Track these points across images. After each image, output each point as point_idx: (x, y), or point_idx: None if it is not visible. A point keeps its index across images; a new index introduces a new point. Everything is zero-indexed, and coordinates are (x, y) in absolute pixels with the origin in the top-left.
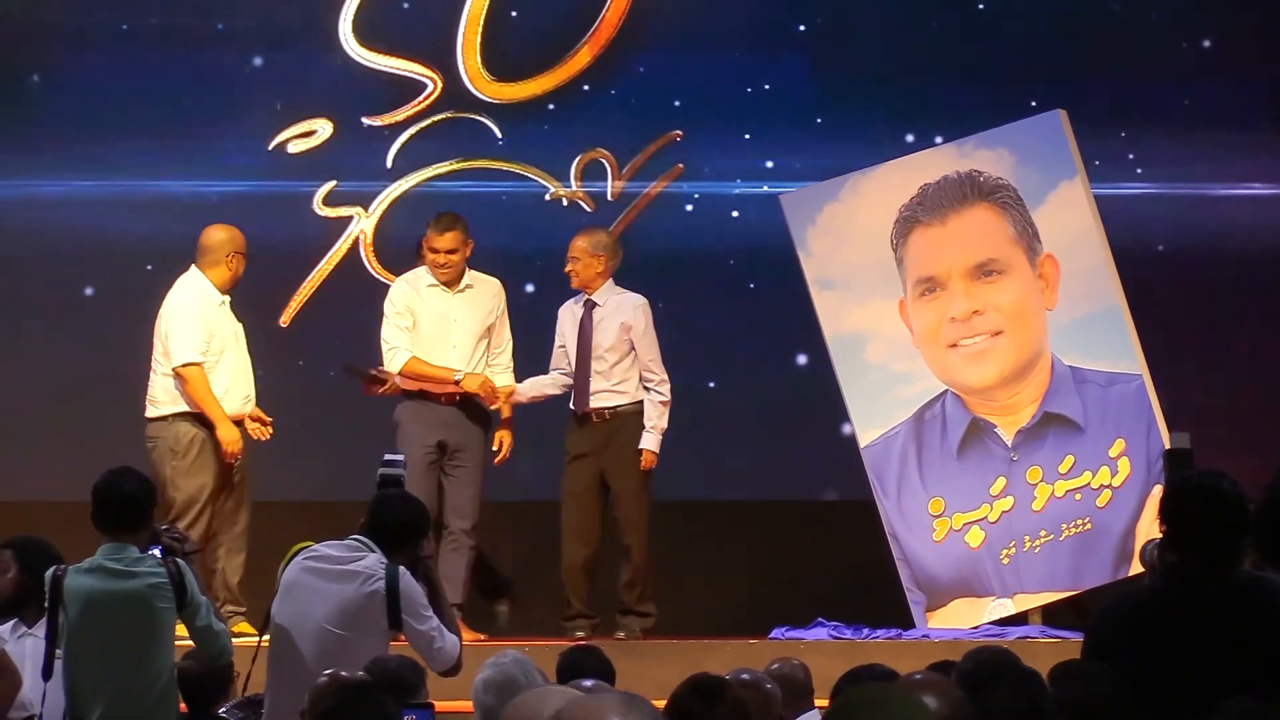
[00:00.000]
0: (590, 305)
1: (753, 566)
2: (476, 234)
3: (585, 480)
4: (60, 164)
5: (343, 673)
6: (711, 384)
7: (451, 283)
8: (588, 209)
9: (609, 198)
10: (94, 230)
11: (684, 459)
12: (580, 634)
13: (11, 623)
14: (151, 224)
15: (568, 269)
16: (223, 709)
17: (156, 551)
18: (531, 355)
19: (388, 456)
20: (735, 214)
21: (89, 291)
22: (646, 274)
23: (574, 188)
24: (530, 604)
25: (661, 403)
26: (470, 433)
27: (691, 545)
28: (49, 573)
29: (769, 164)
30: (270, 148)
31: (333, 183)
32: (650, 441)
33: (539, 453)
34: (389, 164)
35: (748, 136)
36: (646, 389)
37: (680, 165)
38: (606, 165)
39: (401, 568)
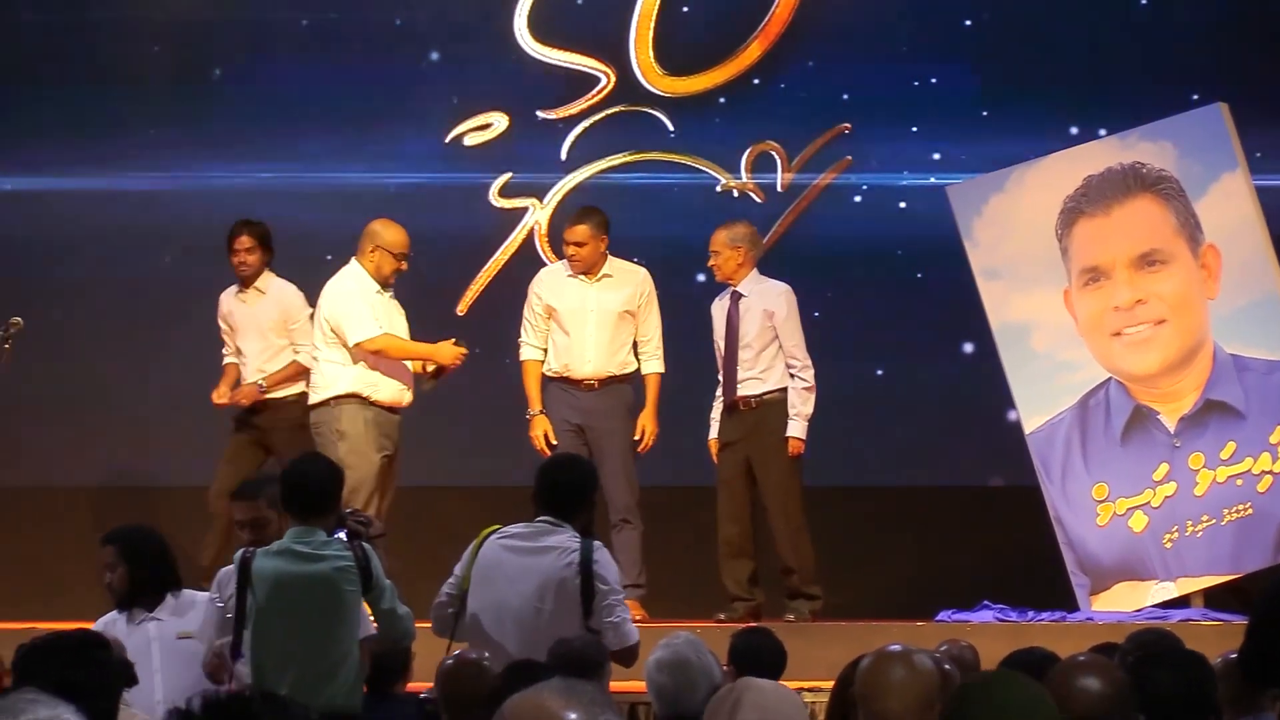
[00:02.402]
0: (736, 296)
1: (919, 550)
2: (649, 224)
3: (734, 467)
4: (242, 156)
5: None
6: (880, 371)
7: (589, 272)
8: (758, 200)
9: (779, 189)
10: (274, 221)
11: (852, 445)
12: (724, 616)
13: (124, 613)
14: (331, 215)
15: (710, 263)
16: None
17: (342, 535)
18: (702, 343)
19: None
20: (902, 205)
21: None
22: (816, 264)
23: (744, 179)
24: (693, 587)
25: (805, 389)
26: (611, 419)
27: (860, 530)
28: (238, 555)
29: (936, 156)
30: (447, 141)
31: (508, 175)
32: (795, 428)
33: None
34: (563, 156)
35: (915, 129)
36: (791, 376)
37: (849, 157)
38: (776, 157)
39: (596, 542)
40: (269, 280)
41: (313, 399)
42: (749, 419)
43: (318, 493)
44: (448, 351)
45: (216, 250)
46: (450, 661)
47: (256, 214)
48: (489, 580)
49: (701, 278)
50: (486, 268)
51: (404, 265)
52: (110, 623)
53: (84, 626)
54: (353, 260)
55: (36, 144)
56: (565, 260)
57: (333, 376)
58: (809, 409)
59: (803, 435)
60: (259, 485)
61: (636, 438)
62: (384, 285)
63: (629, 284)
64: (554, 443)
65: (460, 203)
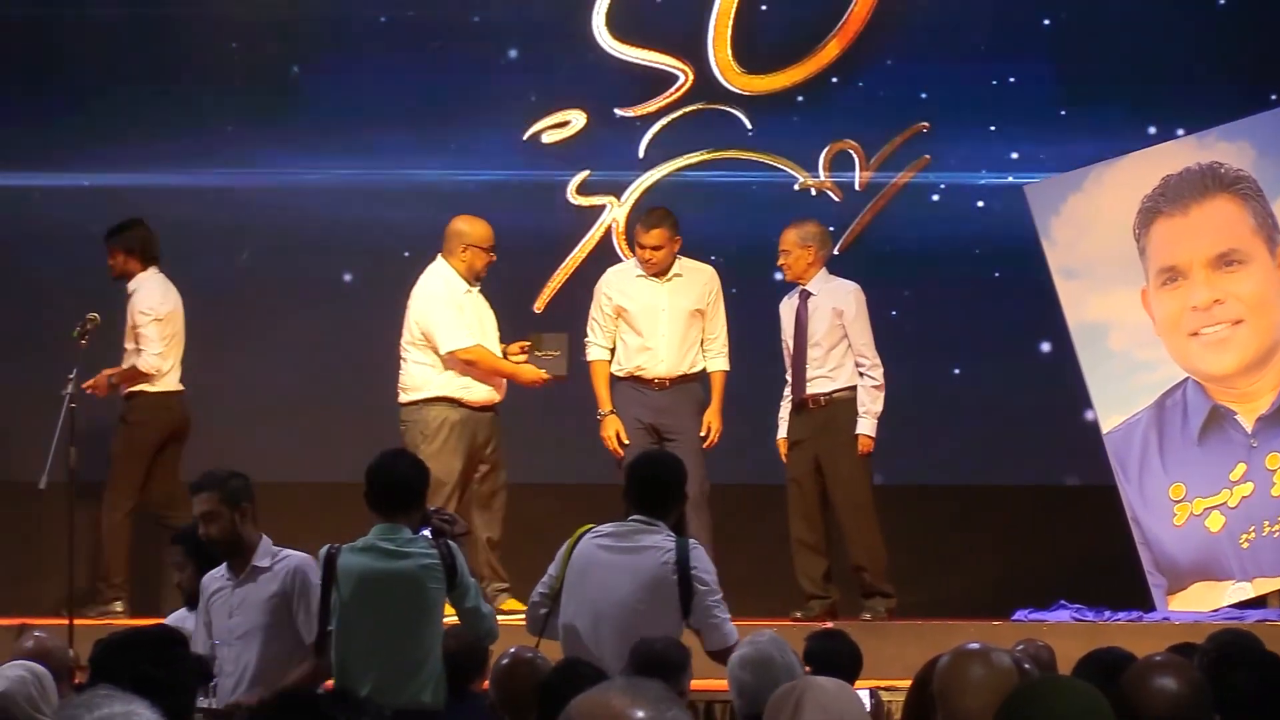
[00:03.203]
0: (805, 295)
1: (996, 549)
2: (726, 222)
3: (804, 466)
4: (320, 153)
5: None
6: (957, 370)
7: (660, 273)
8: (835, 199)
9: (856, 188)
10: (353, 218)
11: (929, 444)
12: (800, 615)
13: (196, 610)
14: (409, 212)
15: (780, 262)
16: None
17: (427, 532)
18: (775, 341)
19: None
20: (980, 204)
21: (348, 278)
22: (893, 263)
23: (822, 178)
24: (767, 585)
25: (874, 388)
26: (683, 417)
27: (936, 529)
28: (323, 551)
29: (1014, 155)
30: (525, 138)
31: (586, 172)
32: (865, 426)
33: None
34: (641, 154)
35: (993, 128)
36: (860, 374)
37: (927, 156)
38: (854, 156)
39: (691, 540)
40: (136, 282)
41: (402, 399)
42: (818, 417)
43: (403, 490)
44: (528, 374)
45: (293, 248)
46: (505, 660)
47: (334, 210)
48: (584, 580)
49: (780, 276)
50: (564, 265)
51: (494, 257)
52: (180, 620)
53: (158, 623)
54: (439, 260)
55: (116, 140)
56: (635, 260)
57: (422, 379)
58: (878, 407)
59: (872, 433)
60: (217, 479)
61: (703, 434)
62: (474, 280)
63: (698, 283)
64: (626, 441)
65: (538, 200)
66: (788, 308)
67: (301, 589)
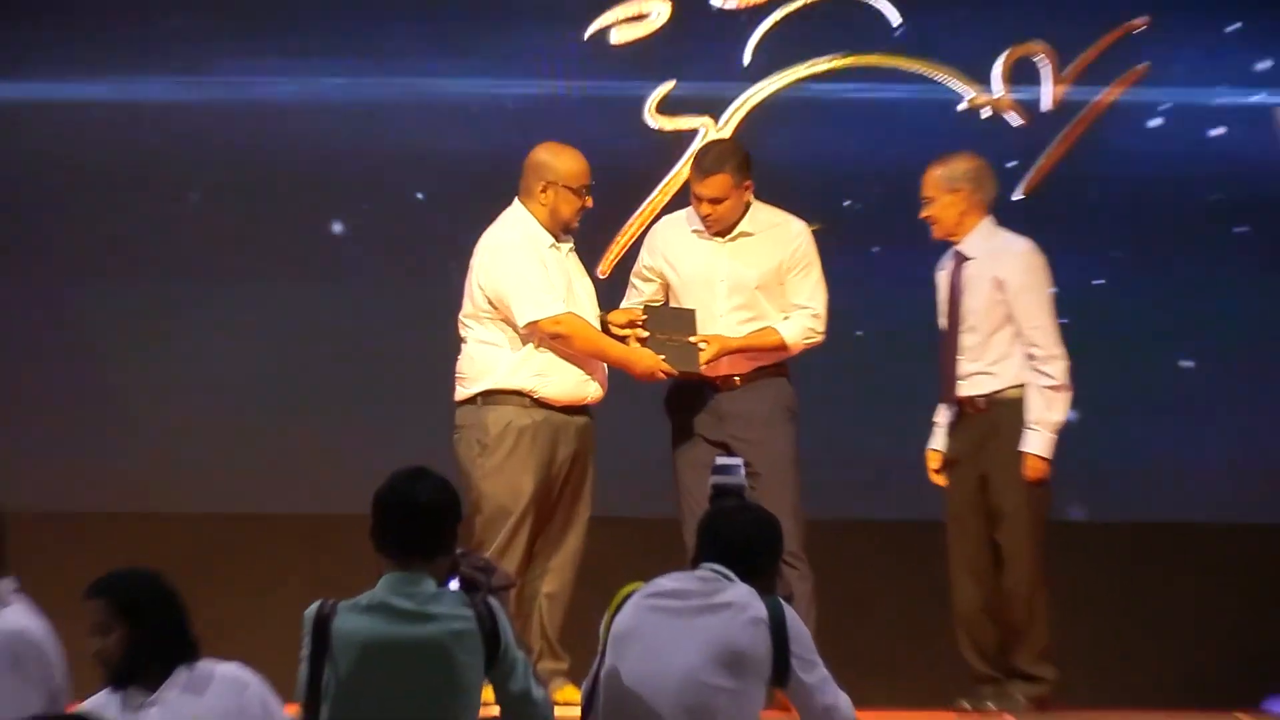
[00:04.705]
0: (960, 259)
1: (1218, 608)
2: (866, 155)
3: (964, 494)
4: (300, 57)
5: None
6: (1187, 363)
7: (722, 232)
8: (1017, 122)
9: (1046, 107)
10: (345, 146)
11: (1133, 466)
12: (969, 705)
13: (120, 694)
14: (425, 137)
15: (923, 213)
16: None
17: (456, 585)
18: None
19: (721, 461)
20: (1217, 131)
21: (337, 228)
22: (1095, 212)
23: (998, 94)
24: (914, 664)
25: (1049, 388)
26: (763, 426)
27: (1126, 579)
28: (311, 611)
29: (1262, 65)
30: (586, 37)
31: (670, 83)
32: (1034, 442)
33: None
34: (746, 60)
35: (1236, 27)
36: (1033, 370)
37: (1144, 64)
38: (1043, 64)
39: (783, 600)
40: None
41: (459, 394)
42: (978, 426)
43: (426, 524)
44: (645, 361)
45: (261, 188)
46: None
47: (319, 137)
48: (634, 652)
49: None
50: (639, 213)
51: (588, 201)
52: (101, 707)
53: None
54: (515, 204)
55: (14, 38)
56: (694, 213)
57: (486, 363)
58: (1056, 416)
59: (1045, 452)
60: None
61: (703, 347)
62: (563, 232)
63: (775, 244)
64: (673, 372)
65: (605, 123)
66: (943, 277)
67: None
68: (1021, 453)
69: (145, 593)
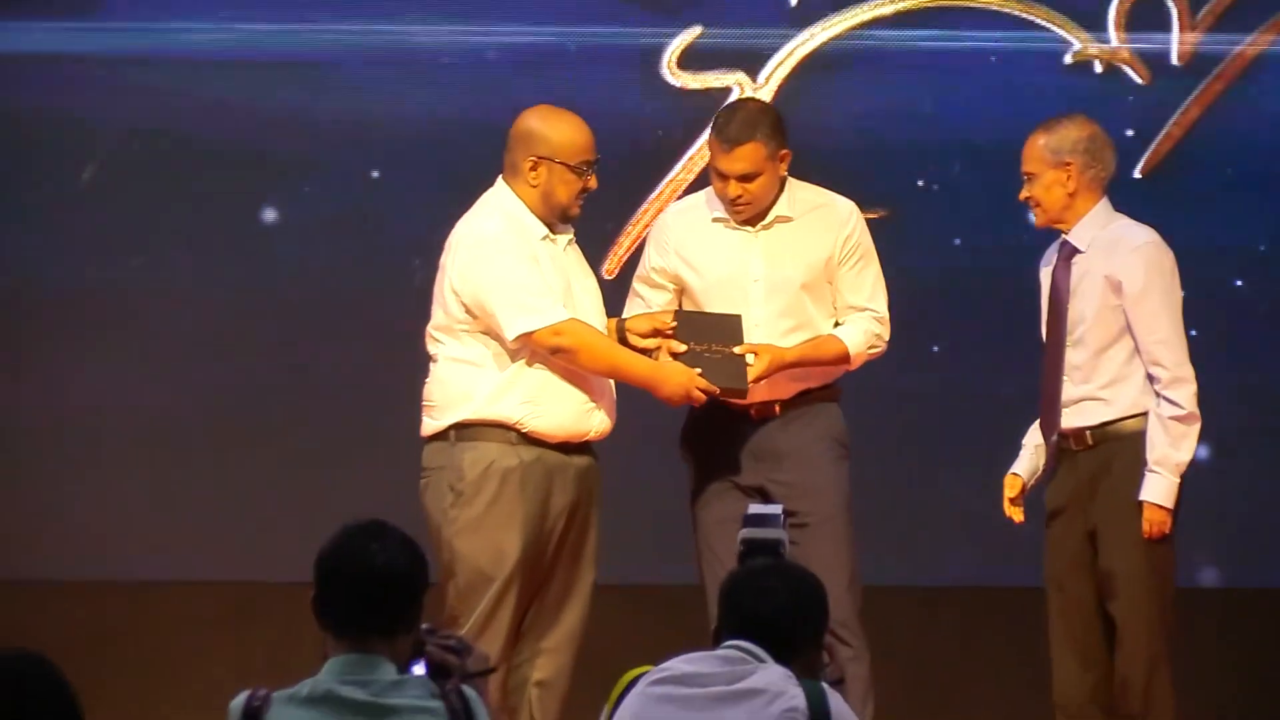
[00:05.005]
0: (1067, 251)
1: None
2: (946, 118)
3: (1068, 553)
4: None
5: None
6: None
7: (753, 219)
8: (1137, 80)
9: (1173, 61)
10: (282, 110)
11: (1277, 519)
12: None
13: None
14: (389, 99)
15: (1024, 194)
16: None
17: (421, 668)
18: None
19: (755, 510)
20: None
21: (270, 216)
22: (1233, 193)
23: (1114, 44)
24: None
25: (1175, 419)
26: (809, 469)
27: (1269, 657)
28: (238, 703)
29: None
30: None
31: (696, 29)
32: (1153, 489)
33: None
34: (793, 0)
35: None
36: (1157, 395)
37: None
38: (1171, 8)
39: (826, 685)
40: None
41: (427, 427)
42: (1085, 467)
43: (384, 594)
44: (677, 378)
45: (174, 162)
46: None
47: (249, 98)
48: None
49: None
50: (658, 193)
51: (591, 183)
52: None
53: None
54: (498, 185)
55: None
56: (714, 196)
57: (461, 388)
58: (1183, 455)
59: (1168, 501)
60: None
61: (751, 360)
62: (559, 219)
63: (820, 232)
64: (714, 391)
65: (616, 78)
66: (1046, 277)
67: None
68: (1140, 502)
69: (27, 683)
